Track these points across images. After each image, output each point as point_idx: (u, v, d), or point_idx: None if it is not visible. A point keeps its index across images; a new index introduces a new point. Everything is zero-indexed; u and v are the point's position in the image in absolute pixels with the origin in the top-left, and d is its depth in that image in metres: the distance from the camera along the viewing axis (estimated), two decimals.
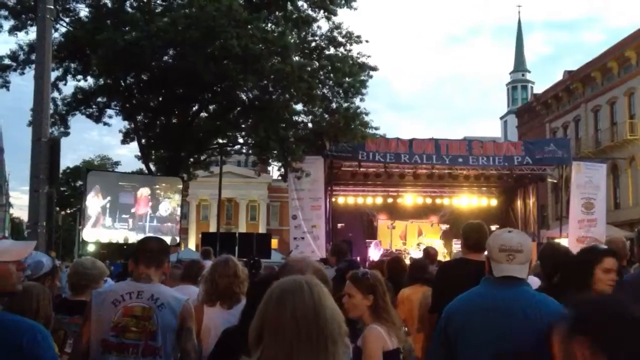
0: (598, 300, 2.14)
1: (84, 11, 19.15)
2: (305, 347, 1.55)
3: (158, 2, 19.47)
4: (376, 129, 21.99)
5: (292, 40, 18.08)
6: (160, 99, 20.18)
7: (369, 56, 20.08)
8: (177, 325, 3.50)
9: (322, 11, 19.55)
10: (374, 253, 23.04)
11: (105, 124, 20.89)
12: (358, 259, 21.36)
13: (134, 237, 15.28)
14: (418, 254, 18.22)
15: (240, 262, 4.71)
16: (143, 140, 21.06)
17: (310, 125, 20.97)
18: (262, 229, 50.89)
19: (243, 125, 21.81)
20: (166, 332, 3.47)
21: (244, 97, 20.23)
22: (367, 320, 3.64)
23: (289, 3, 19.35)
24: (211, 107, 21.61)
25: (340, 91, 19.77)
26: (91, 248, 36.20)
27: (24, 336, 2.35)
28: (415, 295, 5.98)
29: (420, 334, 5.51)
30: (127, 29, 17.67)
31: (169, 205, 16.77)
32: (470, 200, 26.03)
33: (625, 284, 3.84)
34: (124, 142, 21.97)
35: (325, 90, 19.78)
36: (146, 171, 21.13)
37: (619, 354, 1.60)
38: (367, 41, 19.97)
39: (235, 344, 3.04)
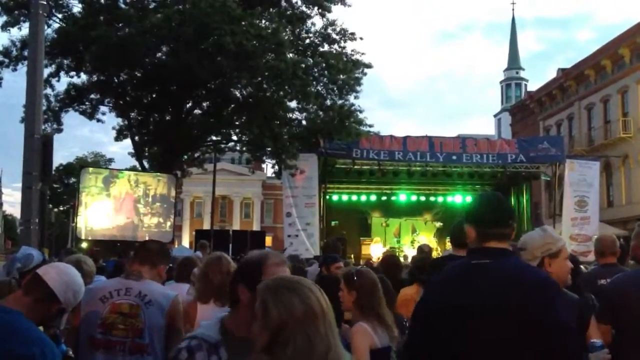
0: None
1: (77, 7, 19.06)
2: (328, 331, 1.75)
3: None
4: (370, 126, 22.02)
5: (286, 37, 18.05)
6: (154, 95, 20.12)
7: (363, 53, 20.08)
8: (166, 324, 3.48)
9: (316, 8, 19.51)
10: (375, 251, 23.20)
11: (98, 120, 20.87)
12: (352, 256, 21.41)
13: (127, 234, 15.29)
14: (412, 252, 18.28)
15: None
16: (136, 137, 21.01)
17: (304, 122, 20.92)
18: (256, 227, 50.89)
19: (237, 123, 21.72)
20: (153, 330, 3.44)
21: (238, 94, 20.18)
22: (354, 315, 3.81)
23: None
24: (205, 104, 21.54)
25: (335, 88, 19.73)
26: (84, 245, 36.03)
27: (33, 347, 2.25)
28: (418, 295, 6.04)
29: None
30: (120, 25, 17.62)
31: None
32: (464, 198, 26.07)
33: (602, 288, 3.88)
34: (117, 139, 21.96)
35: (319, 88, 19.74)
36: (140, 168, 21.07)
37: None
38: (361, 38, 19.97)
39: None
